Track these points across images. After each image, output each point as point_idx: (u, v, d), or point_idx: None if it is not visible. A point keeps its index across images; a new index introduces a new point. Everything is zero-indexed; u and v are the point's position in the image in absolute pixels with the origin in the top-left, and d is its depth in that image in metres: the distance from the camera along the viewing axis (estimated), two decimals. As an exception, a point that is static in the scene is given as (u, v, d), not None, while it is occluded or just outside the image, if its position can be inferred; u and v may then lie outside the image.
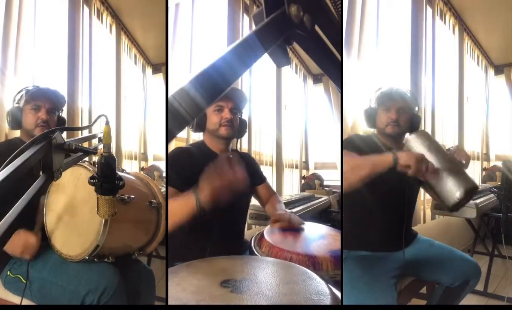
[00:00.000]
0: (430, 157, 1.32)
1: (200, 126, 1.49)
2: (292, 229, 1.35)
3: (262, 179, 1.74)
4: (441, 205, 1.66)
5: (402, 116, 1.53)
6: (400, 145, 1.60)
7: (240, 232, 1.60)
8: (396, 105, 1.53)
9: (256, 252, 1.21)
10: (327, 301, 0.74)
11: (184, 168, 1.37)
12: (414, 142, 1.41)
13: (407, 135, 1.61)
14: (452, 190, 1.33)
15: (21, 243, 1.27)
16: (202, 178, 1.12)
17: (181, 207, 1.13)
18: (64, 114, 1.58)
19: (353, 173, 1.23)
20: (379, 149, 1.54)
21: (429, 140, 1.40)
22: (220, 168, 1.11)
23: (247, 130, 1.66)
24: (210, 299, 0.75)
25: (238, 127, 1.53)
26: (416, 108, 1.60)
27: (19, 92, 1.48)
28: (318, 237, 1.32)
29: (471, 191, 1.33)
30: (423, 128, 2.99)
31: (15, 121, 1.44)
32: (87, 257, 1.23)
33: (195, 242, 1.35)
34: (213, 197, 1.09)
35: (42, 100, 1.44)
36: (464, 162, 1.38)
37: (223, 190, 1.09)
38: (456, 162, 1.37)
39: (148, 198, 1.38)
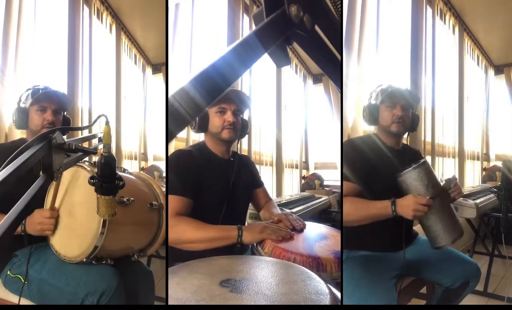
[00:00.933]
0: (425, 195, 1.32)
1: (202, 127, 1.47)
2: (294, 229, 1.35)
3: (259, 184, 1.73)
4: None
5: (406, 113, 1.52)
6: (400, 143, 1.60)
7: None
8: (401, 101, 1.50)
9: (258, 252, 1.21)
10: (327, 300, 0.74)
11: (187, 173, 1.36)
12: (413, 174, 1.34)
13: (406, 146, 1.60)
14: (439, 236, 1.36)
15: (36, 220, 1.27)
16: (260, 226, 1.28)
17: (222, 240, 1.27)
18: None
19: (352, 215, 1.36)
20: (380, 149, 1.53)
21: (428, 177, 1.34)
22: (273, 233, 1.24)
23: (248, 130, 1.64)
24: (209, 298, 0.75)
25: (240, 129, 1.51)
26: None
27: (25, 91, 1.49)
28: (321, 237, 1.32)
29: (457, 240, 1.38)
30: (423, 128, 3.00)
31: (21, 122, 1.45)
32: (84, 259, 1.23)
33: None
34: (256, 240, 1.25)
35: (48, 101, 1.46)
36: (455, 198, 1.40)
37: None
38: (448, 203, 1.38)
39: (149, 200, 1.38)
